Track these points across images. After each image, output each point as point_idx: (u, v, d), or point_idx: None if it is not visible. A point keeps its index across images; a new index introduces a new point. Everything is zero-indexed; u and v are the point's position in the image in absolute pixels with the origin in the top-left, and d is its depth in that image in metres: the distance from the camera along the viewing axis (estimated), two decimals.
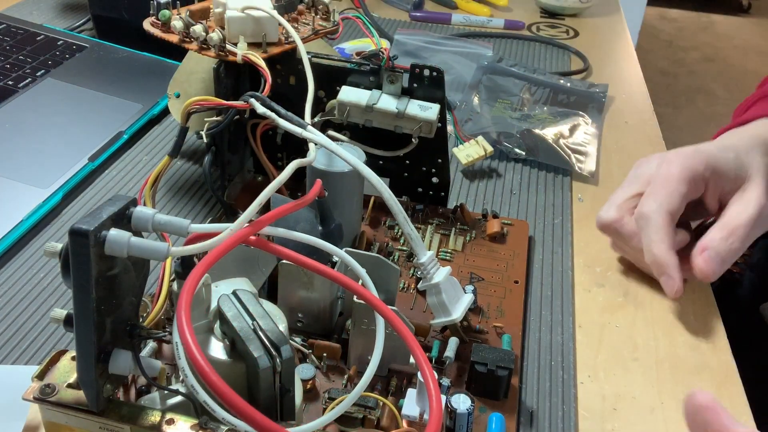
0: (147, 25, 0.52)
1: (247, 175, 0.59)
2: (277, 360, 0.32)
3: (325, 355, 0.43)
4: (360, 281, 0.39)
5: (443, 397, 0.37)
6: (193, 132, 0.50)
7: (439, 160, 0.56)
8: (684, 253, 0.50)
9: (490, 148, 0.65)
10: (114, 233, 0.29)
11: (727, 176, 0.51)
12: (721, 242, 0.48)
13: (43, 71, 0.72)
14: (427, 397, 0.33)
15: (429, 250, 0.49)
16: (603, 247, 0.56)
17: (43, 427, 0.35)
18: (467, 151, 0.65)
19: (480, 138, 0.66)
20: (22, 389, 0.34)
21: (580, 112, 0.75)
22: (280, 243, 0.38)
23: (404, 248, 0.53)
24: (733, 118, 0.61)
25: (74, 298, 0.30)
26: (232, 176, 0.56)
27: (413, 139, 0.53)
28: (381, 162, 0.56)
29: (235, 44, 0.49)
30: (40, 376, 0.34)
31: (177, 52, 0.54)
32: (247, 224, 0.34)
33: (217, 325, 0.35)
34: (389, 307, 0.36)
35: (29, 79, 0.71)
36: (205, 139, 0.49)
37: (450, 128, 0.65)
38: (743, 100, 0.62)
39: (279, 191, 0.45)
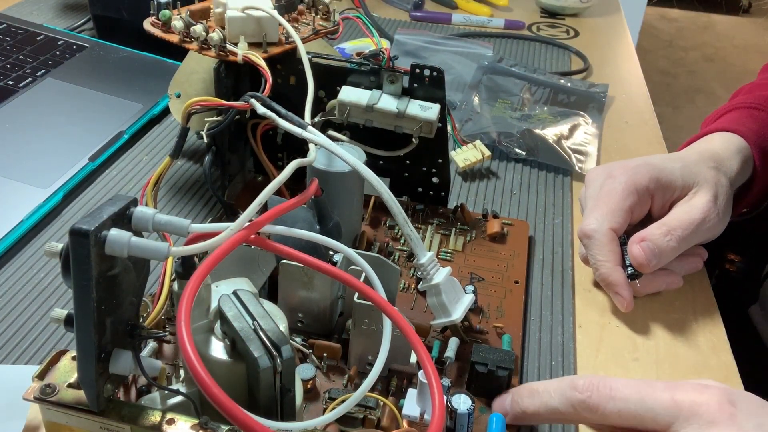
0: (147, 25, 0.52)
1: (247, 175, 0.59)
2: (278, 360, 0.32)
3: (325, 355, 0.43)
4: (362, 277, 0.39)
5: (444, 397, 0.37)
6: (193, 132, 0.50)
7: (439, 160, 0.56)
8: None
9: (487, 152, 0.65)
10: (114, 233, 0.29)
11: (673, 186, 0.52)
12: (659, 237, 0.49)
13: (43, 71, 0.72)
14: (428, 397, 0.33)
15: (429, 250, 0.49)
16: None
17: (44, 427, 0.35)
18: (465, 155, 0.65)
19: (478, 142, 0.66)
20: (22, 389, 0.34)
21: (580, 112, 0.75)
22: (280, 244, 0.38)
23: (404, 248, 0.53)
24: (701, 127, 0.61)
25: (74, 298, 0.30)
26: (232, 176, 0.56)
27: (413, 139, 0.53)
28: (381, 162, 0.56)
29: (236, 44, 0.49)
30: (41, 376, 0.34)
31: (177, 52, 0.54)
32: (247, 224, 0.34)
33: (217, 325, 0.35)
34: (394, 307, 0.36)
35: (29, 79, 0.71)
36: (205, 139, 0.49)
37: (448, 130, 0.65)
38: (713, 111, 0.63)
39: (279, 191, 0.45)
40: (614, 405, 0.36)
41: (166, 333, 0.42)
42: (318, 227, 0.45)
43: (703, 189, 0.51)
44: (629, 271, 0.50)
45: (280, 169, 0.40)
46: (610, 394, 0.37)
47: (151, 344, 0.42)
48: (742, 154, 0.55)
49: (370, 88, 0.52)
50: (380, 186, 0.40)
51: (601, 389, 0.37)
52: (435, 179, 0.57)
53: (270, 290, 0.45)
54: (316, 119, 0.54)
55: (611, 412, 0.36)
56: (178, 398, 0.35)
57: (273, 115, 0.43)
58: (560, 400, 0.38)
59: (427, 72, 0.51)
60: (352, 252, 0.38)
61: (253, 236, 0.35)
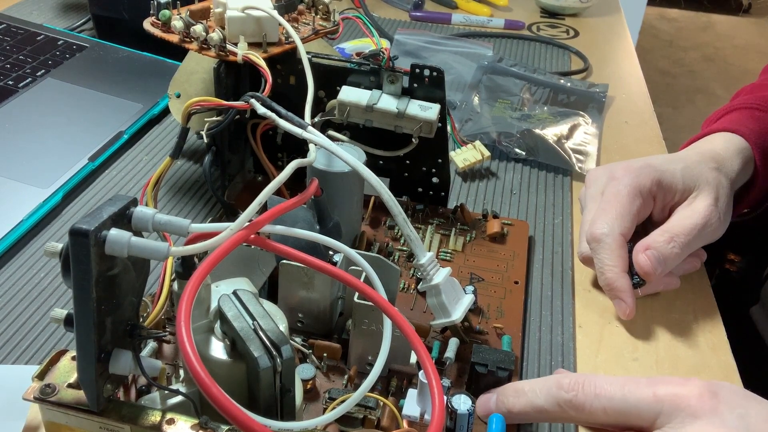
0: (147, 25, 0.51)
1: (247, 175, 0.59)
2: (278, 360, 0.32)
3: (325, 355, 0.43)
4: (363, 277, 0.39)
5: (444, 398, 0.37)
6: (193, 132, 0.50)
7: (439, 160, 0.56)
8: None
9: (487, 153, 0.65)
10: (114, 233, 0.29)
11: (674, 189, 0.51)
12: (663, 244, 0.49)
13: (43, 71, 0.72)
14: (429, 397, 0.33)
15: (429, 250, 0.49)
16: None
17: (43, 427, 0.35)
18: (464, 155, 0.65)
19: (477, 142, 0.66)
20: (22, 389, 0.34)
21: (580, 112, 0.75)
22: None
23: (404, 248, 0.53)
24: (702, 127, 0.61)
25: (74, 298, 0.30)
26: (232, 176, 0.56)
27: (413, 139, 0.53)
28: (381, 162, 0.56)
29: (236, 44, 0.49)
30: (41, 376, 0.34)
31: (177, 52, 0.54)
32: (247, 224, 0.34)
33: (217, 325, 0.35)
34: (394, 307, 0.36)
35: (29, 79, 0.71)
36: (205, 139, 0.49)
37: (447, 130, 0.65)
38: (714, 111, 0.63)
39: (279, 191, 0.45)
40: (599, 403, 0.36)
41: (166, 333, 0.42)
42: (318, 227, 0.45)
43: (704, 192, 0.51)
44: (635, 280, 0.49)
45: (280, 169, 0.40)
46: (595, 392, 0.37)
47: (151, 344, 0.42)
48: (743, 155, 0.55)
49: (370, 88, 0.52)
50: (380, 186, 0.40)
51: (586, 387, 0.37)
52: (435, 179, 0.57)
53: (270, 290, 0.45)
54: (316, 119, 0.54)
55: (597, 409, 0.36)
56: (178, 398, 0.35)
57: (273, 115, 0.43)
58: (546, 399, 0.38)
59: (427, 72, 0.51)
60: (352, 252, 0.38)
61: (253, 236, 0.35)
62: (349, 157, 0.41)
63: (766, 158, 0.56)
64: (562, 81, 0.82)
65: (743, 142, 0.56)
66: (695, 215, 0.50)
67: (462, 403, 0.39)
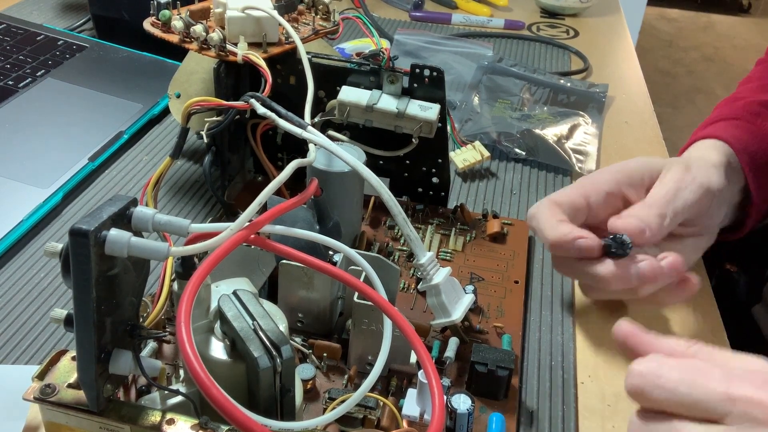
0: (147, 25, 0.52)
1: (247, 175, 0.59)
2: (278, 360, 0.32)
3: (325, 355, 0.43)
4: (363, 277, 0.39)
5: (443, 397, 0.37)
6: (193, 132, 0.50)
7: (439, 160, 0.56)
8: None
9: (486, 153, 0.65)
10: (114, 233, 0.29)
11: (639, 172, 0.50)
12: (639, 210, 0.47)
13: (43, 71, 0.72)
14: (428, 397, 0.33)
15: (429, 250, 0.49)
16: None
17: (43, 427, 0.35)
18: (464, 156, 0.65)
19: (477, 143, 0.66)
20: (22, 389, 0.34)
21: (580, 112, 0.75)
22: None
23: (404, 248, 0.53)
24: (693, 135, 0.60)
25: (74, 298, 0.30)
26: (232, 176, 0.56)
27: (413, 139, 0.53)
28: (381, 162, 0.56)
29: (236, 44, 0.49)
30: (41, 376, 0.34)
31: (177, 52, 0.54)
32: (247, 224, 0.34)
33: (217, 325, 0.35)
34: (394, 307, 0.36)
35: (29, 79, 0.71)
36: (205, 139, 0.49)
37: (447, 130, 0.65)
38: (705, 119, 0.62)
39: (279, 191, 0.45)
40: (660, 393, 0.33)
41: (166, 333, 0.42)
42: (318, 227, 0.45)
43: (672, 166, 0.50)
44: (614, 250, 0.45)
45: (280, 169, 0.40)
46: (656, 382, 0.34)
47: (151, 344, 0.42)
48: (726, 156, 0.54)
49: (370, 88, 0.52)
50: (380, 186, 0.40)
51: (647, 377, 0.34)
52: (435, 179, 0.57)
53: (270, 290, 0.45)
54: (316, 119, 0.54)
55: (657, 399, 0.34)
56: (178, 398, 0.35)
57: (273, 115, 0.43)
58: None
59: (427, 72, 0.51)
60: (352, 252, 0.38)
61: (253, 236, 0.35)
62: (349, 157, 0.41)
63: (755, 169, 0.55)
64: (562, 81, 0.82)
65: (725, 146, 0.55)
66: (665, 184, 0.49)
67: (462, 402, 0.39)
